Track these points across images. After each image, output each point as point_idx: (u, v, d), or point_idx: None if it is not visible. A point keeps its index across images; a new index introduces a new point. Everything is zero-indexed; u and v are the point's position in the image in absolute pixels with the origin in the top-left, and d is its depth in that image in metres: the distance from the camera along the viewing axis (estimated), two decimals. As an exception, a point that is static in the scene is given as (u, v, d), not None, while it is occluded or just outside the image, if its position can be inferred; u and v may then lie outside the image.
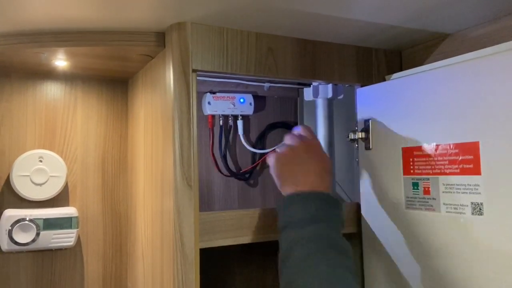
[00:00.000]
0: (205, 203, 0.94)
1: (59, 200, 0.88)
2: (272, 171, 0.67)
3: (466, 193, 0.60)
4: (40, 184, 0.85)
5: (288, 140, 0.68)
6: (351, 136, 0.79)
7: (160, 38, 0.70)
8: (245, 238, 0.69)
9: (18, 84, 0.87)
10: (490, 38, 0.68)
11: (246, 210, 0.70)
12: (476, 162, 0.59)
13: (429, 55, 0.78)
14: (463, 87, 0.61)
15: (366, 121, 0.77)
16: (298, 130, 0.70)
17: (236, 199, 0.97)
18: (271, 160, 0.67)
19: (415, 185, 0.68)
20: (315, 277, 0.54)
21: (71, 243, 0.86)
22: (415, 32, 0.74)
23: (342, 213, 0.62)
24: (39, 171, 0.85)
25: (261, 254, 0.99)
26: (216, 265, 0.95)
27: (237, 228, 0.69)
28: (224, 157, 0.94)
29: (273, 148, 0.96)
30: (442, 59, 0.69)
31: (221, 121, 0.93)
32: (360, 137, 0.77)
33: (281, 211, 0.63)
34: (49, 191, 0.86)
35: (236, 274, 0.98)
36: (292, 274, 0.56)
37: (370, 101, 0.77)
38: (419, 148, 0.67)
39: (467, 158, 0.60)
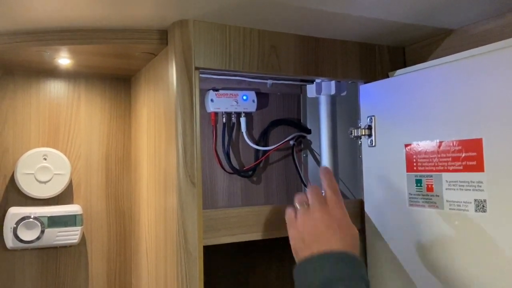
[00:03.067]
0: (208, 200, 0.94)
1: (63, 197, 0.89)
2: (290, 235, 0.63)
3: (470, 190, 0.60)
4: (45, 182, 0.85)
5: (308, 196, 0.64)
6: (354, 132, 0.79)
7: (163, 35, 0.70)
8: (249, 236, 0.69)
9: (22, 83, 0.88)
10: (495, 34, 0.68)
11: (250, 207, 0.71)
12: (479, 159, 0.58)
13: (432, 51, 0.78)
14: (467, 83, 0.61)
15: (369, 118, 0.77)
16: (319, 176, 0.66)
17: (239, 196, 0.97)
18: (287, 218, 0.64)
19: (418, 182, 0.67)
20: None
21: (76, 241, 0.87)
22: (419, 28, 0.74)
23: (366, 274, 0.57)
24: (44, 169, 0.85)
25: (265, 251, 1.00)
26: (217, 262, 0.95)
27: (240, 226, 0.69)
28: (227, 155, 0.94)
29: (277, 145, 0.96)
30: (445, 55, 0.69)
31: (224, 119, 0.93)
32: (363, 133, 0.77)
33: (298, 280, 0.58)
34: (54, 189, 0.86)
35: (240, 270, 0.98)
36: None
37: (373, 98, 0.77)
38: (422, 145, 0.67)
39: (470, 155, 0.60)
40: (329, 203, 0.62)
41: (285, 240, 0.66)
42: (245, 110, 0.93)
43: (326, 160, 0.91)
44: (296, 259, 0.61)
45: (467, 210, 0.60)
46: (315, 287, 0.55)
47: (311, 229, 0.60)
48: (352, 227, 0.61)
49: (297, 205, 0.64)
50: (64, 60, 0.80)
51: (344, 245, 0.58)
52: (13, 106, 0.87)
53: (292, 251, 0.62)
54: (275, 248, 1.00)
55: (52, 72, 0.89)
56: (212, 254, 0.91)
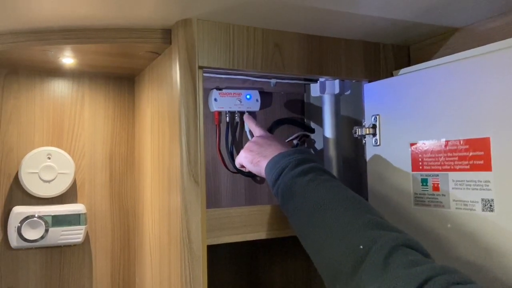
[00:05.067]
0: (212, 199, 0.94)
1: (67, 196, 0.89)
2: (246, 161, 0.75)
3: (477, 189, 0.59)
4: (49, 181, 0.85)
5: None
6: (359, 132, 0.78)
7: (167, 35, 0.70)
8: (253, 235, 0.69)
9: (26, 82, 0.88)
10: (500, 32, 0.67)
11: (253, 207, 0.70)
12: (486, 158, 0.58)
13: (437, 50, 0.77)
14: (473, 82, 0.60)
15: (374, 117, 0.76)
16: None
17: (243, 195, 0.97)
18: (240, 158, 0.77)
19: (424, 181, 0.67)
20: (327, 190, 0.60)
21: (80, 240, 0.87)
22: (423, 26, 0.73)
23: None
24: (48, 168, 0.85)
25: (268, 250, 0.99)
26: (221, 261, 0.95)
27: (244, 225, 0.69)
28: (230, 154, 0.94)
29: None
30: (450, 54, 0.68)
31: (227, 118, 0.93)
32: (367, 133, 0.77)
33: (270, 170, 0.67)
34: (58, 188, 0.86)
35: (244, 269, 0.98)
36: (302, 196, 0.61)
37: (378, 97, 0.76)
38: (428, 144, 0.66)
39: (477, 154, 0.59)
40: (257, 135, 0.79)
41: (289, 240, 0.66)
42: (249, 109, 0.93)
43: (329, 159, 0.91)
44: (263, 174, 0.71)
45: (474, 210, 0.60)
46: (274, 177, 0.66)
47: (256, 149, 0.74)
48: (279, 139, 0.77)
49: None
50: (68, 59, 0.80)
51: (283, 148, 0.71)
52: (17, 105, 0.87)
53: (257, 174, 0.74)
54: (279, 247, 1.00)
55: (56, 72, 0.89)
56: (216, 253, 0.91)
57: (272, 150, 0.70)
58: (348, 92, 0.91)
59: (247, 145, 0.77)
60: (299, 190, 0.61)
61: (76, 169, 0.90)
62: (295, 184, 0.62)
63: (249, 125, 0.87)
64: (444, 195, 0.64)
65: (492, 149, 0.57)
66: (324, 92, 0.90)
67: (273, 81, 0.95)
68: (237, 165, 0.81)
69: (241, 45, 0.69)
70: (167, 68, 0.71)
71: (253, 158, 0.73)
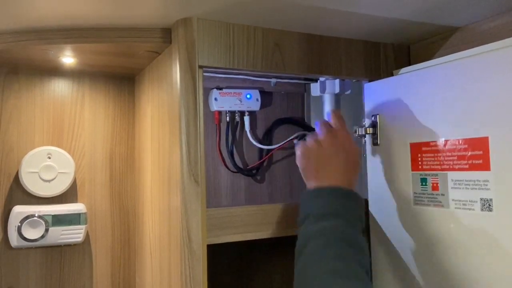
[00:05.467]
0: (212, 199, 0.94)
1: (67, 196, 0.89)
2: (298, 162, 0.68)
3: (475, 189, 0.59)
4: (49, 181, 0.86)
5: (317, 129, 0.69)
6: (359, 131, 0.78)
7: (167, 34, 0.70)
8: (253, 234, 0.69)
9: (26, 81, 0.88)
10: (501, 32, 0.67)
11: (253, 206, 0.70)
12: (485, 157, 0.58)
13: (438, 49, 0.77)
14: (473, 81, 0.60)
15: (374, 116, 0.76)
16: (328, 117, 0.71)
17: (243, 195, 0.96)
18: (298, 151, 0.69)
19: (424, 181, 0.67)
20: (325, 270, 0.55)
21: (80, 239, 0.87)
22: (424, 25, 0.73)
23: (362, 210, 0.63)
24: (48, 167, 0.85)
25: (269, 249, 0.99)
26: (221, 261, 0.95)
27: (244, 224, 0.69)
28: (231, 153, 0.94)
29: (281, 144, 0.95)
30: (451, 53, 0.68)
31: (227, 117, 0.93)
32: (367, 132, 0.77)
33: (302, 205, 0.64)
34: (58, 188, 0.86)
35: (244, 269, 0.98)
36: (304, 266, 0.58)
37: (378, 96, 0.76)
38: (428, 144, 0.66)
39: (476, 153, 0.59)
40: (334, 130, 0.68)
41: (289, 239, 0.66)
42: (249, 109, 0.93)
43: (330, 159, 0.91)
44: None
45: (473, 209, 0.60)
46: (300, 219, 0.62)
47: (314, 157, 0.65)
48: (354, 151, 0.66)
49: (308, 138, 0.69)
50: (68, 58, 0.80)
51: (341, 179, 0.63)
52: (17, 105, 0.87)
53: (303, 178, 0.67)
54: (279, 246, 1.00)
55: (56, 71, 0.89)
56: (215, 252, 0.91)
57: (323, 175, 0.64)
58: (348, 92, 0.91)
59: (312, 143, 0.66)
60: (303, 254, 0.59)
61: (76, 169, 0.90)
62: (305, 246, 0.59)
63: (333, 117, 0.70)
64: (443, 195, 0.64)
65: (491, 149, 0.57)
66: (325, 91, 0.90)
67: (273, 80, 0.95)
68: (296, 150, 0.70)
69: (241, 44, 0.69)
70: (167, 67, 0.71)
71: (305, 167, 0.67)
